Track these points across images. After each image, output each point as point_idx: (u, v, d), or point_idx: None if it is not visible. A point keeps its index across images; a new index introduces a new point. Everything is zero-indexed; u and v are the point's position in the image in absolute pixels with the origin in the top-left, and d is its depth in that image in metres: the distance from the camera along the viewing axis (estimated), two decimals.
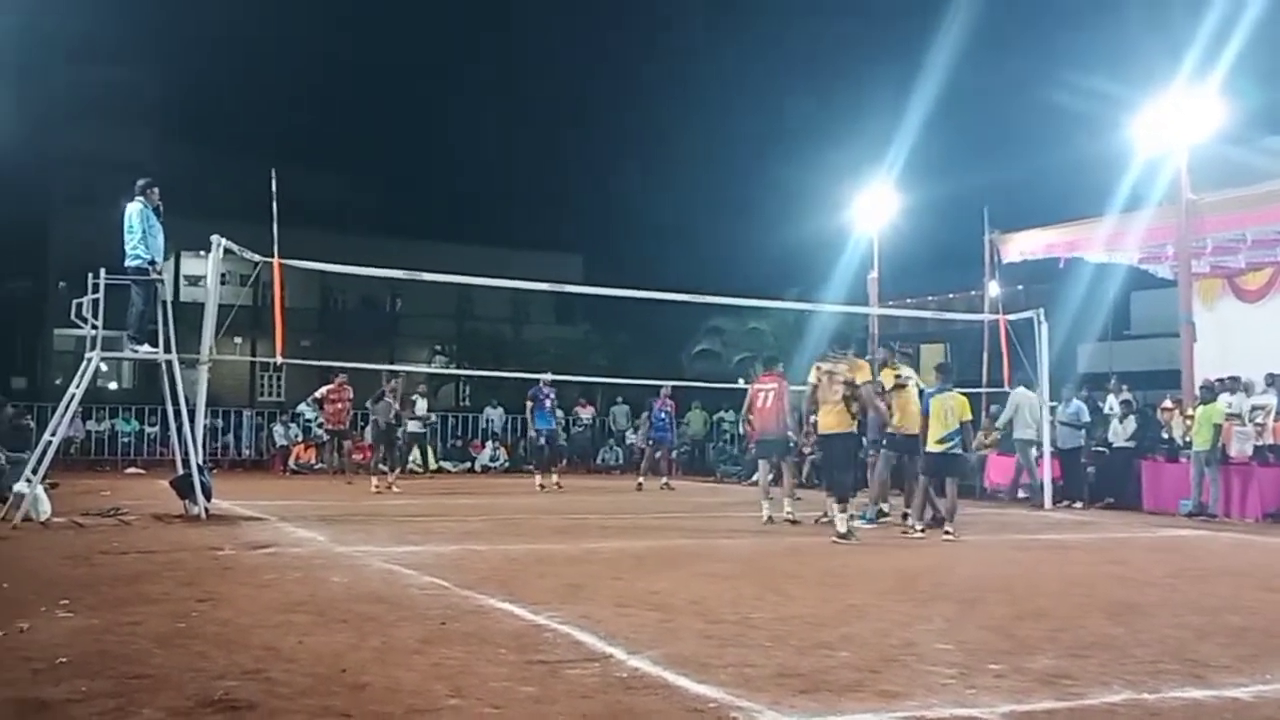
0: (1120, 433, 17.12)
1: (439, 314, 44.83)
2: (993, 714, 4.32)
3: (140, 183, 11.92)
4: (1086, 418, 17.32)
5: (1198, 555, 11.02)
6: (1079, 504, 16.67)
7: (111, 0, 36.93)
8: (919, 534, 11.50)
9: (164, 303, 11.87)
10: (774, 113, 66.25)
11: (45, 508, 10.96)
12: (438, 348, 43.27)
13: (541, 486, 18.83)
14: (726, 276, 31.53)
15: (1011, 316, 17.36)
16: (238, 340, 37.17)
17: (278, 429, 24.91)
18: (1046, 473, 16.77)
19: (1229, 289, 19.51)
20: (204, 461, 12.49)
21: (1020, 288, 28.31)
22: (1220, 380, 16.14)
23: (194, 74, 47.68)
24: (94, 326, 11.56)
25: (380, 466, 18.42)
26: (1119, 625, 6.32)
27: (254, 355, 36.24)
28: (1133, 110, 17.69)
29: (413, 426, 22.28)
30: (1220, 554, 11.24)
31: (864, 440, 13.16)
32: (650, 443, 21.72)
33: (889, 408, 11.99)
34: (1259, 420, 15.60)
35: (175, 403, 11.75)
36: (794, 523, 12.51)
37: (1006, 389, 17.22)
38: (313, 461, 23.48)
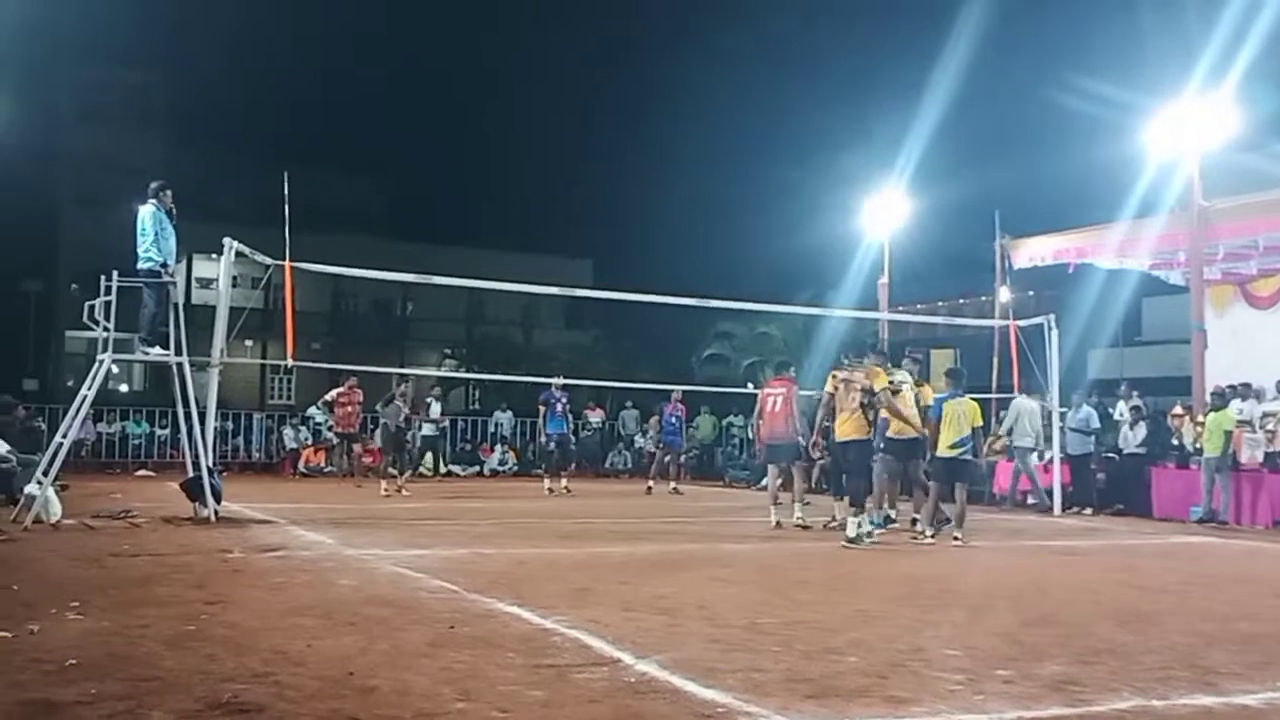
0: (1131, 439, 17.07)
1: (450, 318, 44.91)
2: None
3: (153, 185, 11.96)
4: (1096, 424, 17.30)
5: (1208, 562, 10.98)
6: (1089, 510, 16.63)
7: (123, 2, 37.08)
8: (928, 540, 11.48)
9: (175, 305, 11.90)
10: (785, 118, 66.33)
11: (56, 510, 10.99)
12: (448, 351, 43.33)
13: (550, 490, 18.85)
14: (736, 281, 31.60)
15: (1022, 322, 17.31)
16: (249, 343, 37.34)
17: (288, 432, 24.96)
18: (1056, 479, 16.74)
19: (1241, 295, 19.44)
20: (214, 464, 12.53)
21: (1031, 293, 28.22)
22: (1231, 387, 16.09)
23: (206, 76, 48.01)
24: (105, 329, 11.60)
25: (390, 470, 18.44)
26: (1128, 632, 6.30)
27: (265, 358, 36.37)
28: (1145, 116, 17.65)
29: (427, 429, 22.35)
30: (1231, 561, 11.20)
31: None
32: (661, 446, 21.77)
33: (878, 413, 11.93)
34: (1270, 427, 15.53)
35: (186, 405, 11.76)
36: (804, 528, 12.49)
37: (1017, 395, 17.19)
38: (322, 464, 23.51)
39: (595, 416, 27.67)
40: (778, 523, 12.56)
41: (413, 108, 58.08)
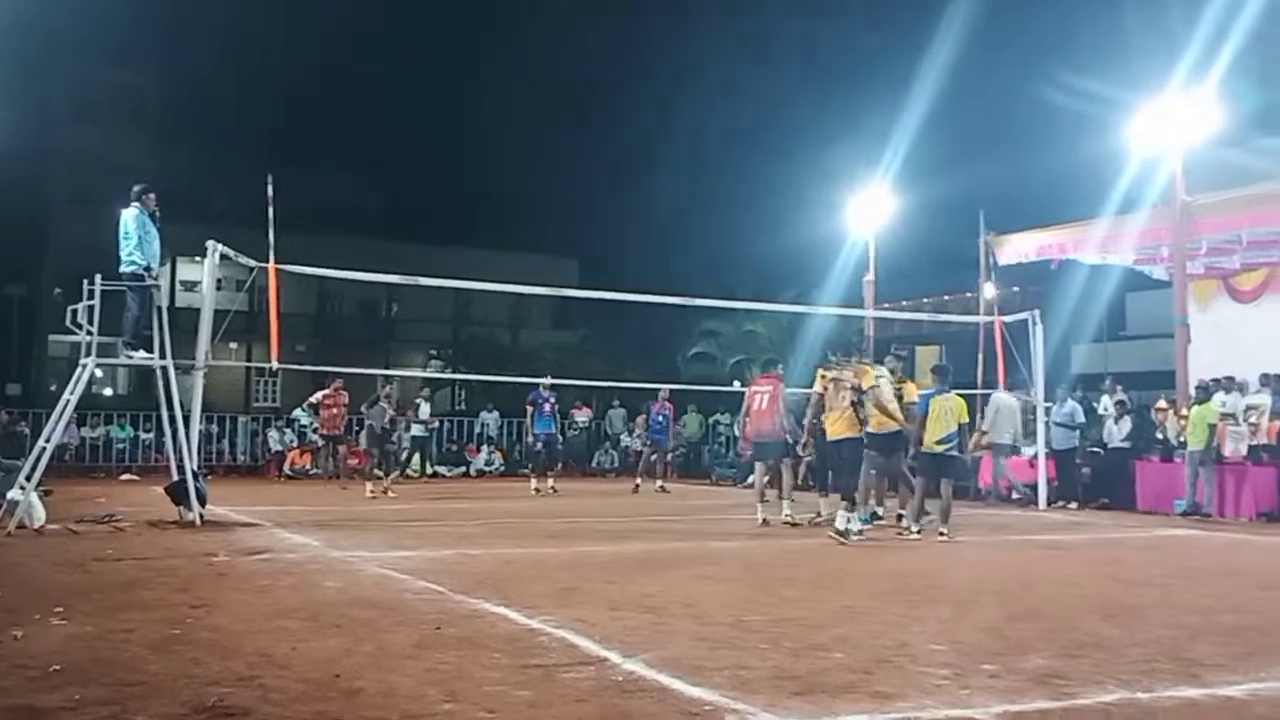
0: (1115, 433, 17.15)
1: (436, 319, 44.79)
2: (987, 714, 4.33)
3: (136, 189, 11.92)
4: (1081, 418, 17.37)
5: (1192, 555, 11.05)
6: (1074, 504, 16.71)
7: (109, 2, 36.87)
8: (914, 535, 11.53)
9: (159, 308, 11.86)
10: (769, 117, 66.33)
11: (40, 515, 10.94)
12: (433, 352, 43.24)
13: (537, 490, 18.82)
14: (722, 279, 31.62)
15: (1007, 318, 17.39)
16: (233, 346, 37.13)
17: (273, 434, 24.87)
18: (1041, 473, 16.81)
19: (1224, 290, 19.56)
20: (199, 467, 12.48)
21: (1016, 289, 28.32)
22: (1215, 380, 16.17)
23: (191, 78, 47.75)
24: (89, 332, 11.54)
25: (375, 471, 18.40)
26: (1113, 625, 6.33)
27: (249, 361, 36.19)
28: (1128, 112, 17.71)
29: (416, 430, 22.32)
30: (1215, 553, 11.26)
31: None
32: (648, 445, 21.80)
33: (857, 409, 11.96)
34: (1253, 420, 15.61)
35: (170, 409, 11.72)
36: (794, 525, 12.52)
37: (998, 390, 17.28)
38: (308, 467, 23.43)
39: (582, 416, 27.66)
40: (764, 520, 12.57)
41: (399, 108, 57.87)
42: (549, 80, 66.81)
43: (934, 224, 29.77)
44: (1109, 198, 18.93)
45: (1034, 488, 16.93)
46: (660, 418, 21.23)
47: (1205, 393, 15.47)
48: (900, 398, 12.16)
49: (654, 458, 21.42)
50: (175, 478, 11.83)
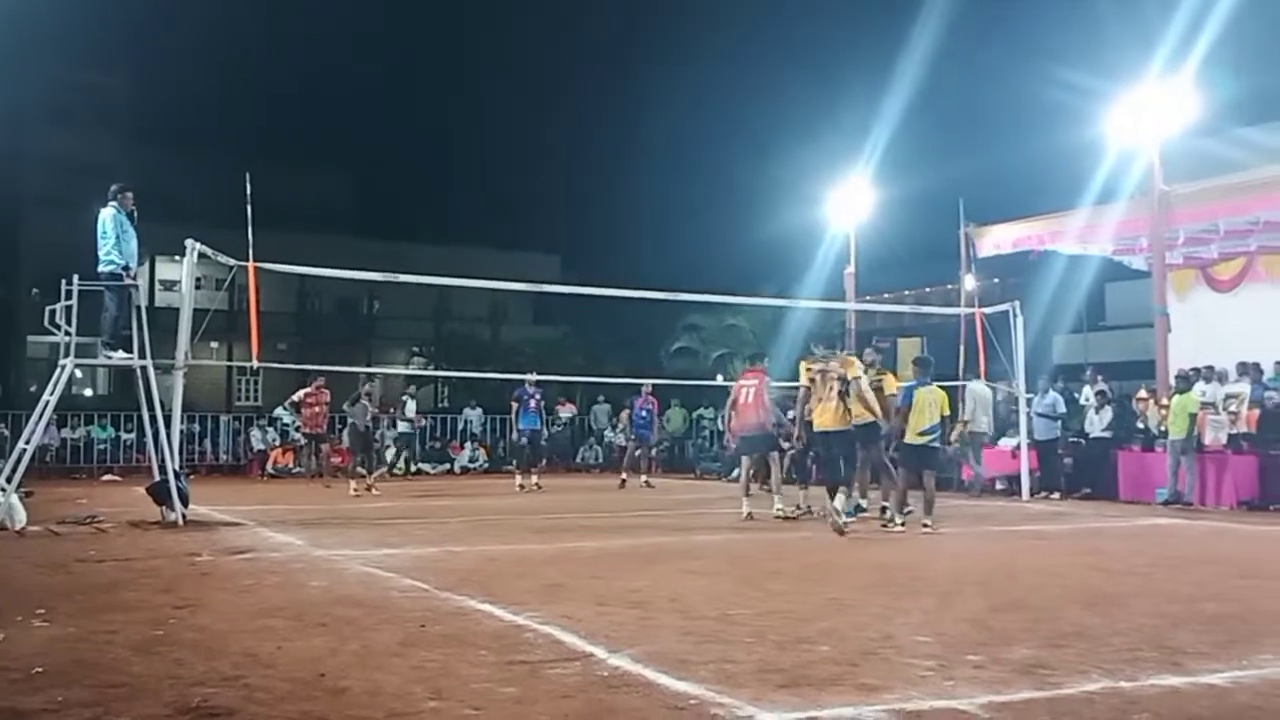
0: (1096, 423, 17.25)
1: (416, 315, 44.72)
2: (972, 705, 4.34)
3: (113, 188, 11.85)
4: (1062, 409, 17.47)
5: (1173, 544, 11.11)
6: (1056, 495, 16.80)
7: (84, 3, 36.61)
8: (899, 527, 11.56)
9: (138, 308, 11.79)
10: (749, 110, 66.45)
11: (20, 516, 10.87)
12: (415, 349, 43.16)
13: (521, 487, 18.79)
14: (704, 273, 31.59)
15: (987, 310, 17.44)
16: (214, 345, 37.02)
17: (255, 433, 24.77)
18: (1024, 464, 16.90)
19: (1202, 279, 19.67)
20: (181, 467, 12.42)
21: (996, 281, 28.42)
22: (1195, 370, 16.27)
23: (168, 77, 47.56)
24: (67, 333, 11.47)
25: (359, 469, 18.35)
26: (1096, 615, 6.36)
27: (230, 360, 36.08)
28: (1106, 103, 17.81)
29: (403, 427, 22.28)
30: (1196, 542, 11.34)
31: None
32: (632, 440, 21.80)
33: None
34: (1233, 409, 15.73)
35: (151, 409, 11.66)
36: (786, 518, 12.54)
37: (974, 381, 17.36)
38: (291, 465, 23.36)
39: (566, 411, 27.65)
40: (749, 514, 12.59)
41: (377, 105, 57.82)
42: (529, 77, 66.70)
43: (914, 217, 29.89)
44: (1087, 188, 19.07)
45: (1013, 479, 17.02)
46: (644, 412, 21.23)
47: (1186, 382, 15.57)
48: (880, 390, 12.19)
49: (639, 453, 21.43)
50: (157, 478, 11.78)
